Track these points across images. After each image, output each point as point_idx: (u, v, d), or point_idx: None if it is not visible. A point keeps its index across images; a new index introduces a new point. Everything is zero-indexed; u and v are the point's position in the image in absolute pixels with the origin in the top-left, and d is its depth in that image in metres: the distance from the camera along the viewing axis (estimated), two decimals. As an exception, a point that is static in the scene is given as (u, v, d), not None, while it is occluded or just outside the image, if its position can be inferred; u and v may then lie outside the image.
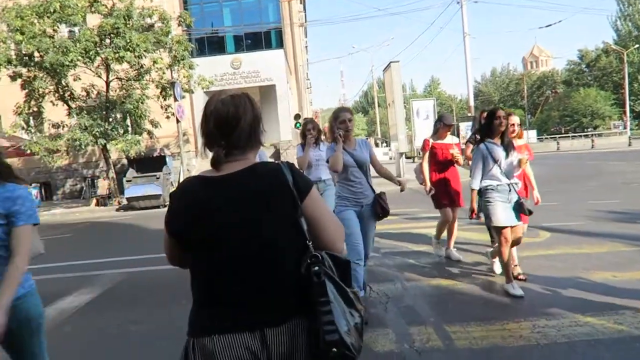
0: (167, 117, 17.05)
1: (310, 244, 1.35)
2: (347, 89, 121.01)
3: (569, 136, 47.61)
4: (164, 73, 16.78)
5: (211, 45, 23.41)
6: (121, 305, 4.53)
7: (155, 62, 15.21)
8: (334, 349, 1.24)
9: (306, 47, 45.04)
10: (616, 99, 53.21)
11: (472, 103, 25.02)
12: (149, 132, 17.40)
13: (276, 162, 1.43)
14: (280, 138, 22.33)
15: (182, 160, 16.26)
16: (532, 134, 44.88)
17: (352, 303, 1.33)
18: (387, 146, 38.04)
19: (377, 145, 35.59)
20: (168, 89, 16.49)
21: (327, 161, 3.78)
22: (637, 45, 50.20)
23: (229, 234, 1.31)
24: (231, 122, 1.36)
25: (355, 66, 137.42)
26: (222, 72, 22.61)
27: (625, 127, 46.76)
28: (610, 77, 56.51)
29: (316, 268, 1.30)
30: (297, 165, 3.84)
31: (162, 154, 20.77)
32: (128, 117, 16.26)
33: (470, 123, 22.07)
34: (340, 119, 3.71)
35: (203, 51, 23.28)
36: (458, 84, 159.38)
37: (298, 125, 16.45)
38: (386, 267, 5.09)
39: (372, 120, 71.14)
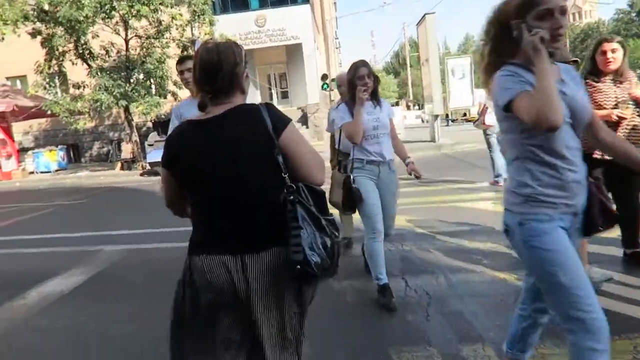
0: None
1: (286, 176, 1.46)
2: (377, 50, 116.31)
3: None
4: (184, 30, 15.92)
5: (234, 1, 22.20)
6: (111, 294, 3.90)
7: (174, 17, 14.31)
8: (298, 267, 1.40)
9: (335, 2, 42.87)
10: (668, 51, 49.01)
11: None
12: (173, 94, 16.76)
13: (256, 103, 1.54)
14: (307, 101, 21.32)
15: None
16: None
17: (323, 228, 1.46)
18: (419, 109, 36.34)
19: (408, 108, 33.96)
20: (189, 48, 15.67)
21: (340, 127, 3.27)
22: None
23: (215, 169, 1.46)
24: (214, 67, 1.49)
25: (386, 25, 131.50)
26: (246, 30, 21.49)
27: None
28: (663, 26, 51.95)
29: (291, 197, 1.44)
30: (345, 135, 3.19)
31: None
32: (150, 77, 15.57)
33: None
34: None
35: (226, 8, 22.15)
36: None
37: (325, 86, 15.43)
38: (424, 251, 4.24)
39: (404, 82, 68.49)
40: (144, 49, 15.41)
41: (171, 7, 14.46)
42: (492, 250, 4.06)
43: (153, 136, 14.90)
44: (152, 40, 15.35)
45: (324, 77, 15.28)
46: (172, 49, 15.90)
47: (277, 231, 1.45)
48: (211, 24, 15.42)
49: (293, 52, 23.18)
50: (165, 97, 17.35)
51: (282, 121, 1.50)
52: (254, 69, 24.94)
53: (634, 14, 56.54)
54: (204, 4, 14.49)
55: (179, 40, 15.75)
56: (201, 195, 1.52)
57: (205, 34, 15.96)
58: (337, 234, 1.51)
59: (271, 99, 25.48)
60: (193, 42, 15.03)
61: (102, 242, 5.67)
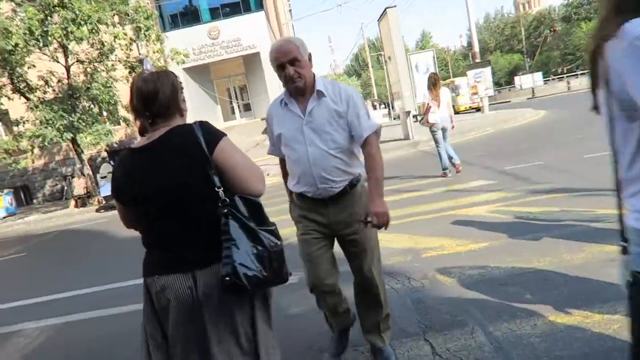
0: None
1: (220, 190, 1.52)
2: (336, 54, 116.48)
3: (576, 74, 45.19)
4: (130, 50, 14.71)
5: (184, 15, 21.09)
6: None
7: (116, 37, 13.08)
8: (227, 278, 1.44)
9: (290, 10, 42.12)
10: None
11: (476, 48, 22.84)
12: (125, 120, 15.48)
13: (191, 123, 1.61)
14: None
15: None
16: (537, 77, 42.46)
17: (259, 239, 1.51)
18: (385, 107, 35.77)
19: (374, 107, 33.29)
20: (137, 68, 14.47)
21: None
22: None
23: (154, 190, 1.53)
24: (151, 96, 1.58)
25: (343, 28, 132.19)
26: (199, 44, 20.42)
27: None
28: (612, 8, 53.57)
29: (225, 210, 1.50)
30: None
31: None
32: (97, 104, 14.24)
33: (480, 70, 20.02)
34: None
35: (176, 23, 21.02)
36: (449, 38, 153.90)
37: (289, 93, 14.39)
38: (440, 286, 3.25)
39: (366, 83, 68.42)
40: (88, 75, 14.12)
41: (113, 27, 13.24)
42: (525, 275, 3.15)
43: (105, 167, 13.61)
44: (96, 64, 14.07)
45: (287, 84, 14.28)
46: (120, 71, 14.66)
47: (219, 244, 1.51)
48: (159, 40, 14.28)
49: (251, 62, 22.18)
50: (118, 124, 16.06)
51: (215, 137, 1.57)
52: (212, 83, 23.77)
53: (583, -1, 58.14)
54: (146, 19, 13.31)
55: (126, 60, 14.54)
56: (146, 218, 1.59)
57: (154, 52, 14.80)
58: (277, 243, 1.56)
59: (233, 112, 24.34)
60: (141, 61, 13.85)
61: (22, 316, 4.48)
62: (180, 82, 1.69)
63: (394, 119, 29.41)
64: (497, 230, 4.23)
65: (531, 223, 4.30)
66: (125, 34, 13.54)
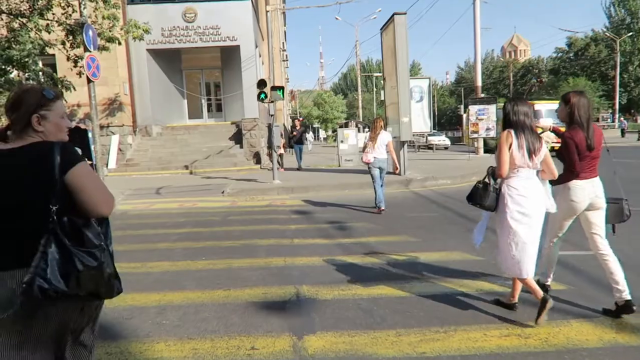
0: (79, 75, 12.03)
1: (54, 208, 1.62)
2: (325, 71, 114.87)
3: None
4: (73, 11, 11.70)
5: (159, -11, 18.12)
6: None
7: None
8: (24, 285, 1.56)
9: (283, 13, 39.70)
10: (605, 90, 50.70)
11: (479, 82, 20.85)
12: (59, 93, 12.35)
13: (54, 142, 1.72)
14: (244, 115, 17.51)
15: (93, 135, 11.27)
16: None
17: (71, 259, 1.60)
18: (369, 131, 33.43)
19: (358, 130, 31.04)
20: (77, 33, 11.47)
21: None
22: (630, 33, 47.79)
23: (1, 195, 1.64)
24: (14, 107, 1.74)
25: (336, 44, 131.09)
26: (171, 25, 17.49)
27: (614, 120, 44.57)
28: (598, 67, 53.92)
29: (50, 227, 1.61)
30: None
31: (82, 127, 15.65)
32: (14, 68, 11.09)
33: (485, 106, 17.88)
34: None
35: (148, -3, 18.03)
36: (435, 74, 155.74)
37: (263, 96, 11.66)
38: None
39: (352, 104, 66.63)
40: (11, 31, 10.99)
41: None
42: None
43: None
44: (24, 19, 10.98)
45: (262, 83, 11.53)
46: (56, 34, 11.60)
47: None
48: (111, 4, 11.29)
49: (229, 56, 19.36)
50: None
51: (71, 160, 1.68)
52: (181, 73, 20.76)
53: (572, 54, 58.34)
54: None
55: (64, 22, 11.51)
56: None
57: (104, 17, 11.81)
58: (92, 265, 1.64)
59: (201, 111, 21.35)
60: (82, 25, 10.84)
61: None
62: (49, 103, 1.79)
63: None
64: None
65: None
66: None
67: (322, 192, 10.57)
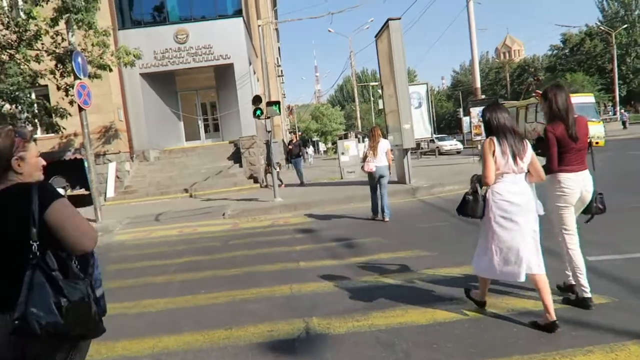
0: (70, 104, 11.76)
1: (35, 244, 1.64)
2: (321, 84, 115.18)
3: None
4: (62, 39, 11.48)
5: (149, 12, 18.00)
6: None
7: (30, 14, 9.83)
8: (16, 322, 1.55)
9: (276, 29, 39.75)
10: (603, 84, 50.40)
11: (478, 84, 20.56)
12: (52, 125, 12.12)
13: (31, 182, 1.77)
14: (241, 133, 17.20)
15: (88, 164, 10.95)
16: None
17: (60, 290, 1.61)
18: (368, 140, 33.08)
19: (359, 140, 30.77)
20: (67, 62, 11.22)
21: None
22: (625, 26, 47.66)
23: None
24: None
25: (330, 57, 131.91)
26: (163, 47, 17.32)
27: (615, 113, 44.19)
28: (594, 61, 53.72)
29: (34, 262, 1.62)
30: None
31: (78, 157, 15.38)
32: (8, 102, 10.82)
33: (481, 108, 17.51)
34: None
35: (139, 20, 17.91)
36: (430, 80, 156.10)
37: (259, 112, 11.34)
38: None
39: (350, 115, 66.51)
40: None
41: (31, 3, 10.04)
42: None
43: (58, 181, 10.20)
44: (12, 51, 10.75)
45: (257, 99, 11.21)
46: (45, 63, 11.38)
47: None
48: (90, 27, 10.97)
49: (223, 75, 19.13)
50: (47, 131, 12.66)
51: (48, 199, 1.70)
52: (176, 95, 20.56)
53: (567, 50, 58.25)
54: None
55: (54, 51, 11.29)
56: None
57: (94, 44, 11.57)
58: (79, 295, 1.65)
59: (198, 132, 21.09)
60: (70, 53, 10.59)
61: None
62: (21, 143, 1.80)
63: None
64: None
65: None
66: (39, 8, 10.21)
67: (326, 207, 10.17)
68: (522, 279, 3.07)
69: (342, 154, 16.28)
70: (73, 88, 11.10)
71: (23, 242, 1.64)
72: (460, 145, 29.44)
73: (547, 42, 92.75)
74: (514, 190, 3.08)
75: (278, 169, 14.52)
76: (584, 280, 3.27)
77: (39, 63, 11.37)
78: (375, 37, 13.65)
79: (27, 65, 10.98)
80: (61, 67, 11.47)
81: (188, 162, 17.69)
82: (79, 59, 10.62)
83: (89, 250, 1.74)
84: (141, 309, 4.32)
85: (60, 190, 10.12)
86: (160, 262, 6.36)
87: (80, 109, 10.70)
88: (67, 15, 10.15)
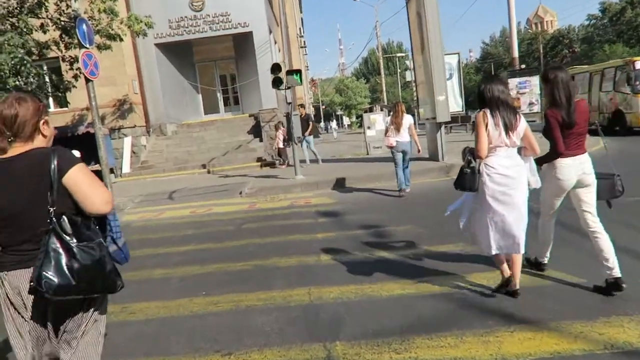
0: (75, 77, 11.06)
1: (52, 209, 1.71)
2: (345, 58, 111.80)
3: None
4: (67, 6, 10.70)
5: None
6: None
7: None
8: (31, 283, 1.66)
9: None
10: (645, 56, 46.88)
11: (516, 53, 18.98)
12: (56, 97, 11.51)
13: (51, 147, 1.83)
14: (261, 106, 16.31)
15: (97, 140, 10.32)
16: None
17: (74, 253, 1.68)
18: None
19: (387, 114, 29.49)
20: (72, 31, 10.46)
21: None
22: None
23: (4, 200, 1.72)
24: (11, 119, 1.76)
25: (355, 28, 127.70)
26: (178, 15, 16.41)
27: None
28: (636, 31, 49.87)
29: (51, 227, 1.70)
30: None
31: (91, 132, 14.81)
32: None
33: (526, 79, 16.12)
34: None
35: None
36: (462, 46, 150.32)
37: (279, 81, 10.38)
38: None
39: (374, 88, 64.57)
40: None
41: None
42: None
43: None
44: (13, 19, 10.03)
45: (275, 68, 10.22)
46: (50, 34, 10.66)
47: None
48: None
49: (242, 44, 18.13)
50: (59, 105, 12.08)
51: (67, 164, 1.76)
52: (194, 67, 19.71)
53: (606, 20, 54.36)
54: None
55: (58, 19, 10.53)
56: (1, 222, 1.76)
57: (100, 11, 10.75)
58: (91, 258, 1.72)
59: (217, 105, 20.29)
60: (75, 19, 9.79)
61: None
62: (45, 106, 1.89)
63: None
64: None
65: None
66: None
67: (351, 185, 9.28)
68: (522, 250, 3.13)
69: (369, 128, 15.22)
70: (78, 61, 10.36)
71: (38, 205, 1.71)
72: None
73: (584, 13, 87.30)
74: (506, 164, 3.08)
75: (280, 146, 13.54)
76: (609, 261, 3.12)
77: (44, 33, 10.66)
78: (406, 0, 12.36)
79: (30, 36, 10.26)
80: (66, 37, 10.72)
81: (207, 136, 16.96)
82: (84, 26, 9.79)
83: (106, 212, 1.82)
84: (127, 315, 3.56)
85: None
86: (164, 250, 5.63)
87: (87, 80, 9.97)
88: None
